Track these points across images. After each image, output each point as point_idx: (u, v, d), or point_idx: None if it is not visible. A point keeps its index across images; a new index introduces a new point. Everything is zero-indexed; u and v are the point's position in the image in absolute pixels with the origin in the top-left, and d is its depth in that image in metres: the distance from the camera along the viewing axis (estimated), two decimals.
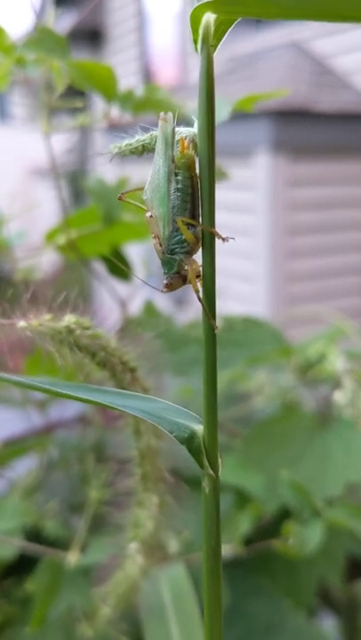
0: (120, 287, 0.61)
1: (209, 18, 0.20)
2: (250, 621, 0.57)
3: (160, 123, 0.22)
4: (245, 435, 0.65)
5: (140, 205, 0.23)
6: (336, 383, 0.73)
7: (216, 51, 0.21)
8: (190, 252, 0.22)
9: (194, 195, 0.21)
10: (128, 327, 0.59)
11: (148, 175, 0.23)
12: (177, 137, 0.22)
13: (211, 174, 0.21)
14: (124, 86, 0.48)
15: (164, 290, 0.22)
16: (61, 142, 4.45)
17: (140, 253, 0.67)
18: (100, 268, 0.61)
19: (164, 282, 0.22)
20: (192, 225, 0.21)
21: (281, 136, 2.70)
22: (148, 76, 4.44)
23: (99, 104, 0.52)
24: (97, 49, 4.98)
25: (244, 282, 2.88)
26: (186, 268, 0.22)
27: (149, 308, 0.61)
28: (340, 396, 0.73)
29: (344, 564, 0.65)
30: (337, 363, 0.75)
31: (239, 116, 0.45)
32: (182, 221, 0.21)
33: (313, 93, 2.77)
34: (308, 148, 2.76)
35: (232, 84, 3.01)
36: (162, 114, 0.22)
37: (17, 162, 5.70)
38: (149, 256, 0.66)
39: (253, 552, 0.54)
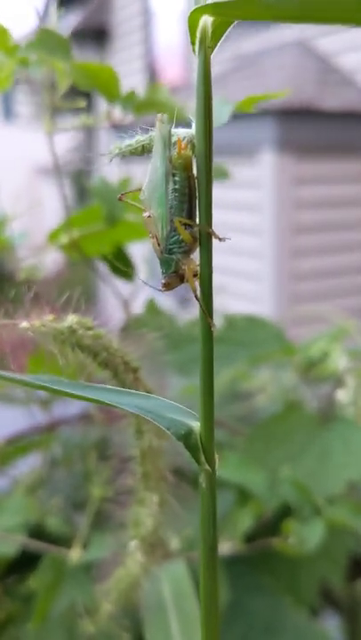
0: (123, 285, 0.61)
1: (206, 20, 0.20)
2: (250, 619, 0.57)
3: (157, 124, 0.22)
4: (247, 433, 0.66)
5: (140, 206, 0.23)
6: (339, 382, 0.73)
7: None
8: (188, 252, 0.22)
9: (191, 195, 0.22)
10: (130, 326, 0.59)
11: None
12: (174, 138, 0.22)
13: (208, 175, 0.21)
14: (129, 85, 0.48)
15: (162, 289, 0.23)
16: (66, 140, 4.46)
17: (142, 252, 0.67)
18: (102, 266, 0.61)
19: (162, 281, 0.23)
20: (189, 225, 0.22)
21: (286, 134, 2.69)
22: (152, 74, 4.44)
23: (102, 102, 0.52)
24: (102, 47, 4.98)
25: (250, 280, 2.88)
26: (183, 267, 0.22)
27: (152, 307, 0.61)
28: (342, 395, 0.74)
29: (346, 562, 0.65)
30: (339, 361, 0.75)
31: (244, 114, 0.46)
32: (180, 221, 0.21)
33: (318, 92, 2.76)
34: (313, 147, 2.75)
35: (237, 82, 3.00)
36: (159, 115, 0.22)
37: (22, 160, 5.71)
38: (152, 255, 0.66)
39: (255, 549, 0.54)
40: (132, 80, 4.24)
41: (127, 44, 4.73)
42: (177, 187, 0.22)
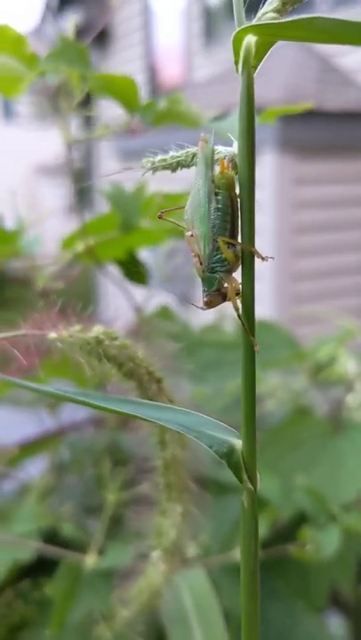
0: (125, 287, 0.61)
1: (250, 40, 0.20)
2: (266, 626, 0.57)
3: (200, 143, 0.22)
4: (258, 439, 0.65)
5: (182, 224, 0.23)
6: (349, 386, 0.73)
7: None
8: (230, 271, 0.22)
9: (234, 214, 0.22)
10: (143, 331, 0.59)
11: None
12: (216, 157, 0.22)
13: (251, 194, 0.21)
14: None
15: (204, 307, 0.23)
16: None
17: (152, 256, 0.67)
18: (114, 271, 0.61)
19: (204, 299, 0.23)
20: (232, 244, 0.22)
21: (287, 134, 2.69)
22: (152, 74, 4.44)
23: (106, 107, 0.52)
24: (102, 47, 4.97)
25: None
26: (226, 285, 0.22)
27: (165, 312, 0.61)
28: (351, 399, 0.74)
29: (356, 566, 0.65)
30: (348, 365, 0.75)
31: None
32: (223, 241, 0.22)
33: (319, 92, 2.76)
34: (313, 147, 2.75)
35: (237, 82, 3.00)
36: (202, 134, 0.22)
37: (22, 159, 5.72)
38: (164, 260, 0.66)
39: (270, 556, 0.54)
40: None
41: (127, 44, 4.72)
42: (220, 206, 0.22)
